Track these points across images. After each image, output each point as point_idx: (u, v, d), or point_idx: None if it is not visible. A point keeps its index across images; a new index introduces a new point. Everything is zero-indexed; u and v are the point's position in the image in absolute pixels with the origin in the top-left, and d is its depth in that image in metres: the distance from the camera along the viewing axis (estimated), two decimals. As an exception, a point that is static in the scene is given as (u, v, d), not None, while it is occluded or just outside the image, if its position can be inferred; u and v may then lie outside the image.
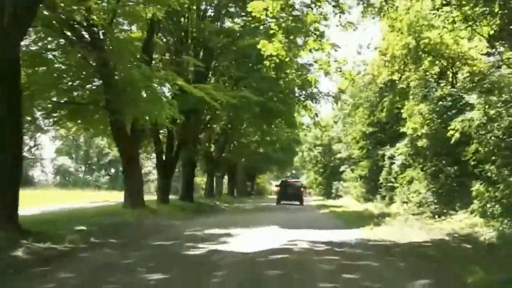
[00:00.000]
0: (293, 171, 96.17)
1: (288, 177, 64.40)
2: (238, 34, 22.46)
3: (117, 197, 26.11)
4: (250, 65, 22.56)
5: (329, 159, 46.36)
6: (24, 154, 65.53)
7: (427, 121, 17.51)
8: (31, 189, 42.99)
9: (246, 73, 22.69)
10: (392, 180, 21.51)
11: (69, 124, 17.54)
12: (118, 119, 14.68)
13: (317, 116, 33.73)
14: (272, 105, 26.29)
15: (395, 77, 18.42)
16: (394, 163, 21.77)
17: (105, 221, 12.50)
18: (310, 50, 12.68)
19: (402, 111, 19.39)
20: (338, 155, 41.58)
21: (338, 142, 42.61)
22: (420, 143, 18.59)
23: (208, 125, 27.59)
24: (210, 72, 22.44)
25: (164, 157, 21.32)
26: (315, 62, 22.94)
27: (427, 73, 18.73)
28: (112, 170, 79.43)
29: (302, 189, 37.09)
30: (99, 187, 67.86)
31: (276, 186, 41.96)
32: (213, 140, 35.87)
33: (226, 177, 50.28)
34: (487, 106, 12.20)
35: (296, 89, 26.80)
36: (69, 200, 25.83)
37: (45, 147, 69.36)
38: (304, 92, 26.80)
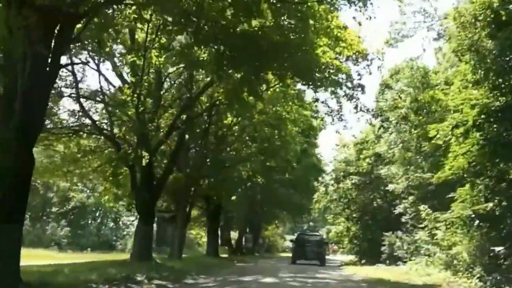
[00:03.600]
0: (311, 223, 77.51)
1: (305, 230, 52.79)
2: None
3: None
4: None
5: (370, 196, 28.67)
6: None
7: None
8: None
9: None
10: None
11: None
12: None
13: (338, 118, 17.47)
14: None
15: None
16: None
17: None
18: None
19: None
20: (390, 187, 23.98)
21: (387, 164, 25.23)
22: None
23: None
24: None
25: None
26: None
27: None
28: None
29: (324, 245, 30.69)
30: (59, 246, 50.15)
31: (291, 241, 34.27)
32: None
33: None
34: None
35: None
36: None
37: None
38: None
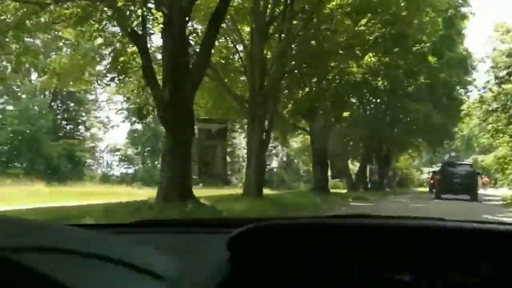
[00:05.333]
0: (452, 153, 65.27)
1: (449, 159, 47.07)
2: None
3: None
4: None
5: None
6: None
7: None
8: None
9: None
10: None
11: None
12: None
13: None
14: None
15: None
16: None
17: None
18: None
19: None
20: None
21: None
22: None
23: None
24: None
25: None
26: None
27: None
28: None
29: (476, 175, 24.91)
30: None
31: (433, 173, 31.40)
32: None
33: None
34: None
35: None
36: None
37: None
38: None
